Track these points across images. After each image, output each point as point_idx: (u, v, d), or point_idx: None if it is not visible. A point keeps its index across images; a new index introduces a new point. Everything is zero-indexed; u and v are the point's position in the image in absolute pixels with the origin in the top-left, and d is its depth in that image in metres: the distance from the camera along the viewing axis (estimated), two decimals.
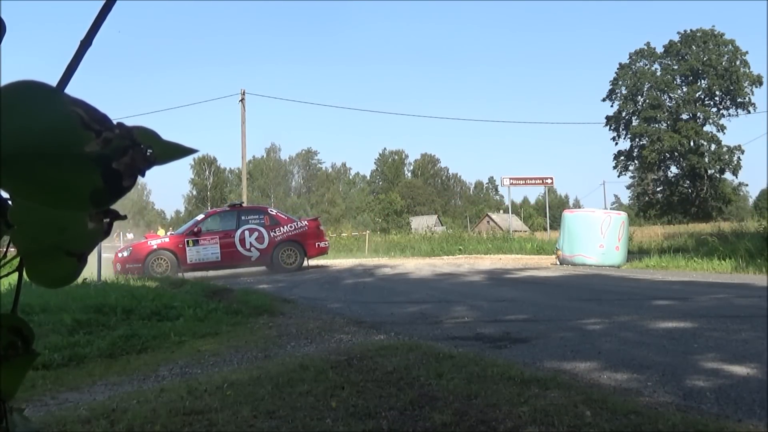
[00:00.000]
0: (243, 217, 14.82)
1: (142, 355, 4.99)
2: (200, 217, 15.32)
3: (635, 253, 15.03)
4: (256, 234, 14.49)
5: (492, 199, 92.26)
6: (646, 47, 51.21)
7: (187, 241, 14.08)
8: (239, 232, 14.46)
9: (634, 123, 50.77)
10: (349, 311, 6.92)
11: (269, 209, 16.21)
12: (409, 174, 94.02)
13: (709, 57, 48.39)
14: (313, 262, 15.45)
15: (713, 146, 48.94)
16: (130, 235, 39.43)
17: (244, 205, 17.05)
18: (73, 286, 7.90)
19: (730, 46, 48.57)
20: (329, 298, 8.32)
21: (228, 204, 16.67)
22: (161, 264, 13.68)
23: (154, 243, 14.08)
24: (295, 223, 15.19)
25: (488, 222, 60.72)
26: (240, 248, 14.40)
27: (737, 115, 49.31)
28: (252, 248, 14.49)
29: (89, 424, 3.03)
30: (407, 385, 3.47)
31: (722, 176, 49.95)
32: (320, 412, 3.02)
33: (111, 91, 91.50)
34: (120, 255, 13.96)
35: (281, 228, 14.85)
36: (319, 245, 15.27)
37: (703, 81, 49.42)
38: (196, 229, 14.43)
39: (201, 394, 3.44)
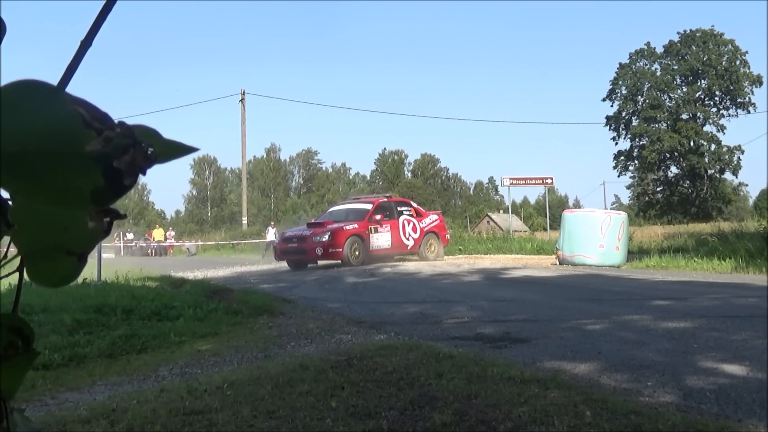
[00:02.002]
0: (398, 208, 15.30)
1: (142, 355, 4.99)
2: (369, 206, 15.04)
3: (635, 253, 15.02)
4: (411, 224, 15.14)
5: (492, 199, 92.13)
6: (646, 47, 51.19)
7: (371, 228, 14.25)
8: (400, 221, 14.92)
9: (634, 123, 50.74)
10: (349, 311, 6.92)
11: (411, 202, 16.77)
12: (409, 174, 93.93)
13: (709, 57, 48.36)
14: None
15: (713, 146, 48.91)
16: (129, 235, 39.44)
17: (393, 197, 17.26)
18: (73, 286, 7.91)
19: (730, 46, 48.54)
20: (329, 298, 8.32)
21: (384, 195, 16.87)
22: (354, 250, 13.73)
23: (348, 227, 13.89)
24: (431, 216, 15.99)
25: (488, 222, 60.63)
26: (402, 237, 14.89)
27: (737, 115, 49.32)
28: (410, 237, 15.07)
29: (89, 424, 3.03)
30: (407, 385, 3.47)
31: (722, 176, 49.92)
32: (320, 412, 3.02)
33: (111, 91, 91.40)
34: (316, 239, 13.45)
35: (425, 220, 15.63)
36: (446, 237, 16.60)
37: (703, 81, 49.40)
38: (378, 217, 14.52)
39: (201, 394, 3.44)
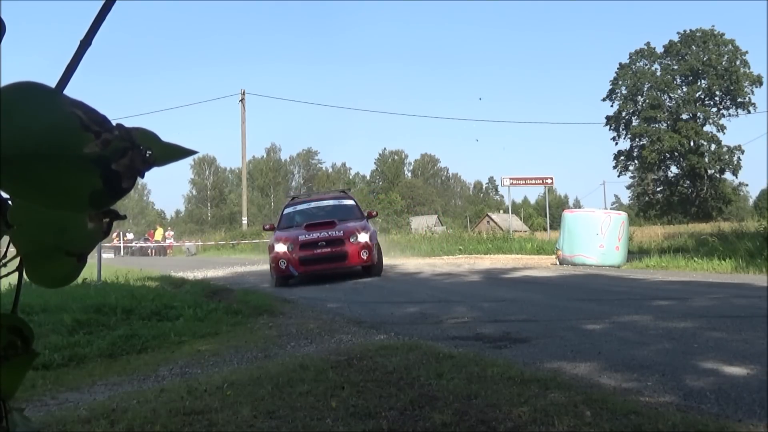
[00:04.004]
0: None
1: (142, 355, 5.00)
2: (351, 201, 12.83)
3: (635, 253, 15.01)
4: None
5: (492, 199, 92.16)
6: (646, 47, 51.18)
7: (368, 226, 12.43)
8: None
9: (634, 123, 50.74)
10: (349, 311, 6.92)
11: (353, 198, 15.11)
12: (409, 174, 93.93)
13: (709, 57, 48.36)
14: None
15: (713, 146, 48.91)
16: (130, 235, 39.46)
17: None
18: (73, 286, 7.90)
19: (730, 46, 48.54)
20: (329, 298, 8.32)
21: (339, 190, 15.35)
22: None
23: (368, 226, 11.70)
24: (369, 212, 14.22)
25: (488, 222, 60.60)
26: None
27: (737, 115, 49.32)
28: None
29: (89, 424, 3.03)
30: (407, 385, 3.47)
31: (722, 176, 49.91)
32: (320, 412, 3.02)
33: (110, 92, 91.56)
34: (354, 240, 10.81)
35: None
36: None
37: (703, 81, 49.39)
38: (375, 213, 12.96)
39: (201, 394, 3.44)
